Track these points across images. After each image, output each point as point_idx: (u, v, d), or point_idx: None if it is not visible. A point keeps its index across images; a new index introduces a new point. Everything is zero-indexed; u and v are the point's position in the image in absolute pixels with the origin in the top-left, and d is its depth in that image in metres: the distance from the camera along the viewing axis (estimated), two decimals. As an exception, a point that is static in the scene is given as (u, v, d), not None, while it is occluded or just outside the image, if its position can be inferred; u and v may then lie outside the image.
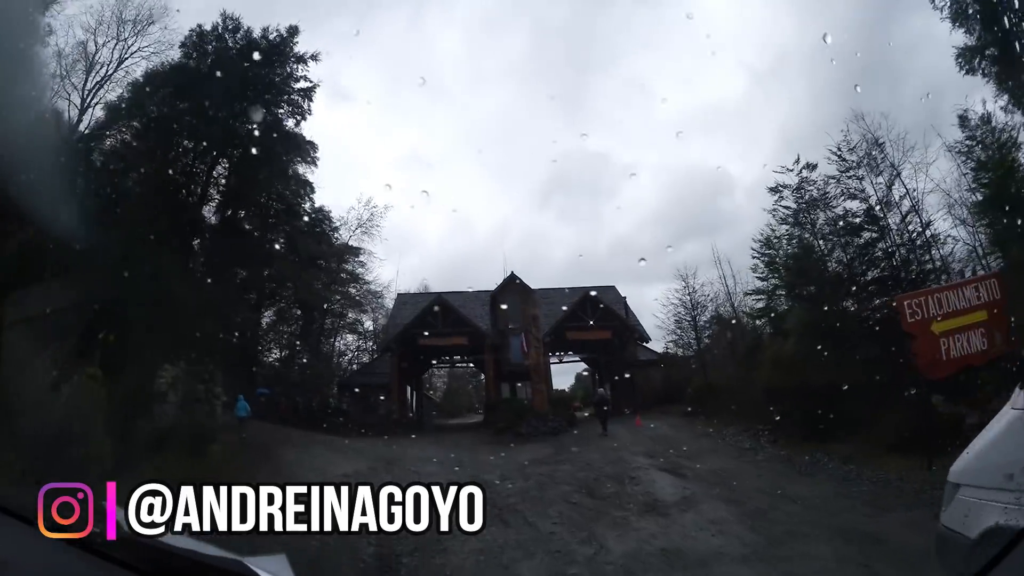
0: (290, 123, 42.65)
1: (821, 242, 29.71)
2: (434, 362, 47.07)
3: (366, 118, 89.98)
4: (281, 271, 43.16)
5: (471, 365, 49.64)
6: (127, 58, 34.34)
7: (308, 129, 43.61)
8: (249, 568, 1.94)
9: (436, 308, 37.12)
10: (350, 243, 47.55)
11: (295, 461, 22.31)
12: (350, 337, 49.46)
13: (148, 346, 20.77)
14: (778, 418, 23.46)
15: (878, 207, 27.94)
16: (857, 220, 28.42)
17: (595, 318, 37.67)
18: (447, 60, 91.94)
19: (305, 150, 47.13)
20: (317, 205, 47.23)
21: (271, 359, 45.04)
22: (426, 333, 36.46)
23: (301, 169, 45.31)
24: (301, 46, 39.26)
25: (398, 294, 44.08)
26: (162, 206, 31.39)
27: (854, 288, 27.38)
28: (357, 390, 38.49)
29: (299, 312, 46.13)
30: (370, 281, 48.04)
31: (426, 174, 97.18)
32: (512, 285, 39.57)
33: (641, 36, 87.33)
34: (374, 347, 44.68)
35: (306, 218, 46.23)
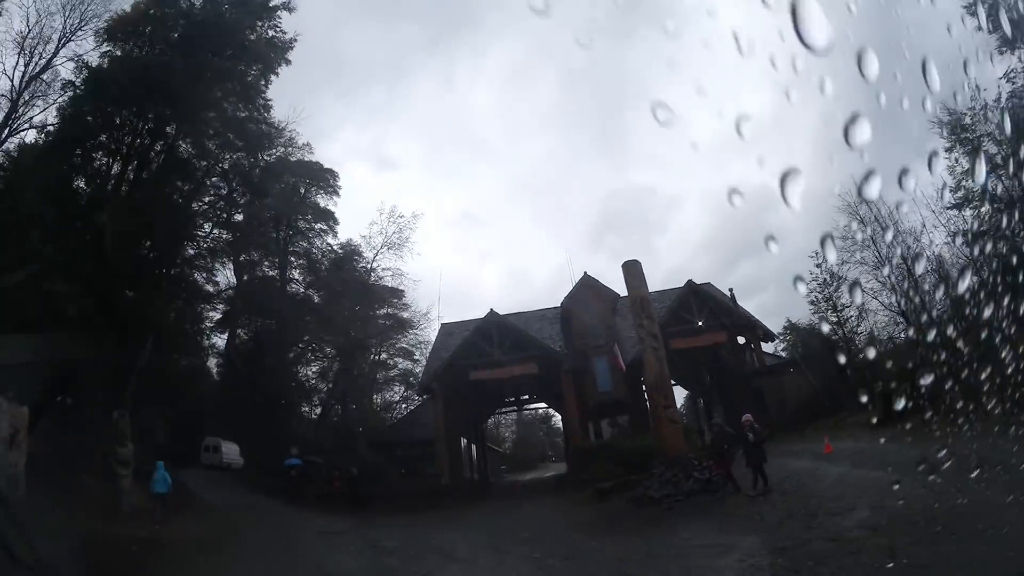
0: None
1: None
2: (498, 410, 37.63)
3: (414, 182, 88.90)
4: (314, 317, 35.71)
5: (541, 407, 39.92)
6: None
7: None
8: None
9: (491, 330, 27.95)
10: (376, 266, 40.91)
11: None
12: (397, 388, 41.53)
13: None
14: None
15: None
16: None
17: (703, 317, 27.91)
18: (484, 116, 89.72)
19: (324, 180, 41.63)
20: (343, 240, 41.54)
21: (306, 417, 36.93)
22: (478, 363, 27.27)
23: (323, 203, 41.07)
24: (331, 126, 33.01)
25: (442, 324, 35.74)
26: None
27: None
28: (399, 451, 29.50)
29: (337, 362, 38.35)
30: (413, 323, 40.42)
31: (479, 230, 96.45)
32: (588, 289, 30.46)
33: (666, 66, 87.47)
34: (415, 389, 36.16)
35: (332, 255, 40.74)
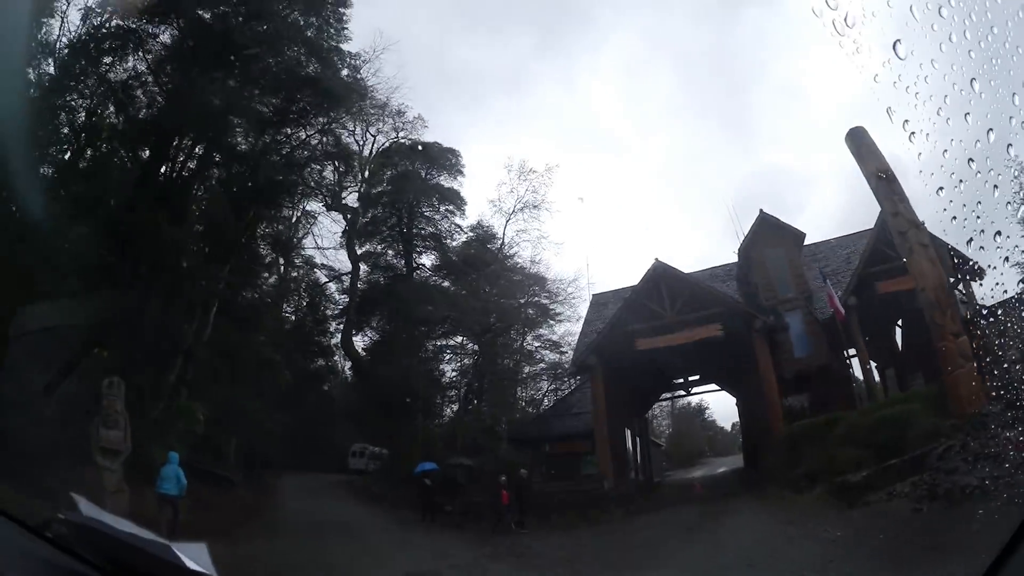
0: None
1: None
2: (664, 395, 31.51)
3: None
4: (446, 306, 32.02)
5: (708, 390, 33.46)
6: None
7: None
8: (174, 552, 1.76)
9: (658, 285, 22.13)
10: (511, 236, 37.18)
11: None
12: (544, 384, 36.83)
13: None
14: None
15: None
16: None
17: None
18: (609, 112, 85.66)
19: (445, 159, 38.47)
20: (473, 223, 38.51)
21: (440, 418, 33.24)
22: (646, 329, 21.43)
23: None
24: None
25: (593, 295, 30.61)
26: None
27: None
28: (547, 447, 24.49)
29: (475, 357, 34.41)
30: (559, 302, 35.80)
31: (614, 222, 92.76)
32: (768, 230, 24.07)
33: (777, 40, 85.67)
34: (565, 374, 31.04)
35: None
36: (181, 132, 21.66)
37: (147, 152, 21.87)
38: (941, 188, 5.30)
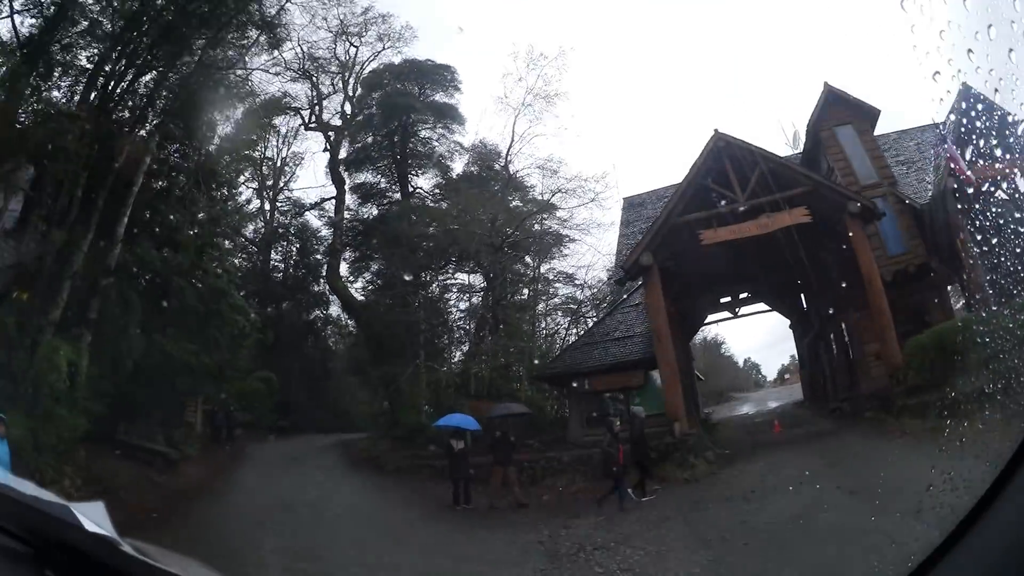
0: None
1: None
2: (726, 301, 25.30)
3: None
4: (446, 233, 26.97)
5: (757, 311, 28.14)
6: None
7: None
8: (72, 512, 1.54)
9: (720, 161, 16.23)
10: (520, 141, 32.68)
11: None
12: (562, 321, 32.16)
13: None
14: None
15: None
16: None
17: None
18: None
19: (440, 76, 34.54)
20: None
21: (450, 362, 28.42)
22: (712, 216, 16.22)
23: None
24: None
25: (624, 198, 25.65)
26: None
27: None
28: (575, 384, 19.34)
29: (483, 294, 29.56)
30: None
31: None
32: (840, 105, 19.11)
33: None
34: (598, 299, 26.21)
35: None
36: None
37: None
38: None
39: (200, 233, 18.88)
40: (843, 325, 20.41)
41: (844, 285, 17.46)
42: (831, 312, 21.37)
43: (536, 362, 25.36)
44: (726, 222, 15.91)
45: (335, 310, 35.13)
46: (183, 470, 15.62)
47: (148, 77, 17.56)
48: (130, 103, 17.42)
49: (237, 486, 15.65)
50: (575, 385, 19.21)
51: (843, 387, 20.69)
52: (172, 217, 17.66)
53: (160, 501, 12.60)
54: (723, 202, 16.25)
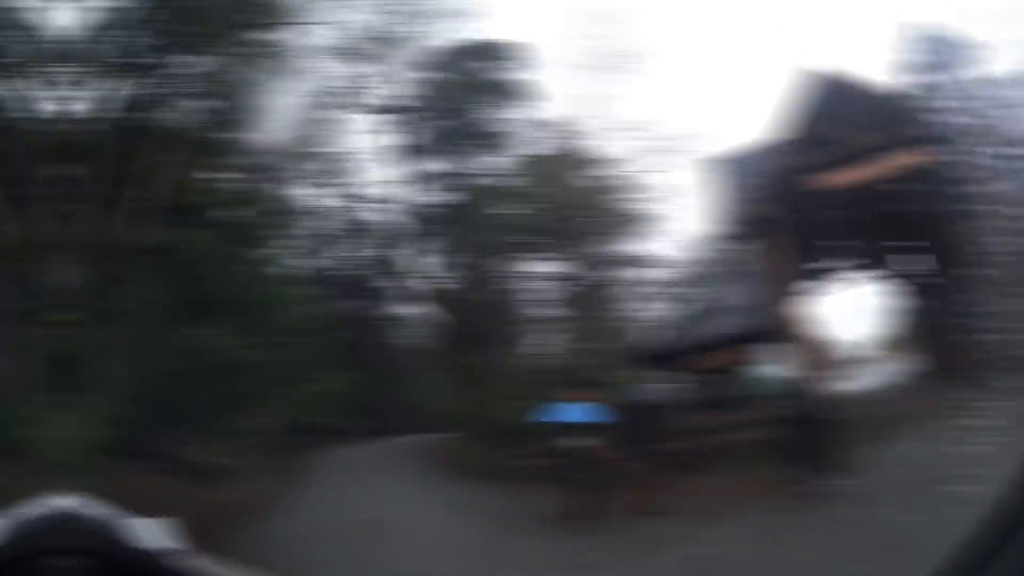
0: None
1: None
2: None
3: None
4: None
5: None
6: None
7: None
8: (135, 529, 1.43)
9: (830, 100, 14.21)
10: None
11: None
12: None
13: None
14: None
15: None
16: None
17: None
18: None
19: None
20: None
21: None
22: (826, 159, 14.03)
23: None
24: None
25: (711, 157, 22.80)
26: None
27: None
28: (686, 361, 16.82)
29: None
30: None
31: None
32: (942, 47, 15.99)
33: None
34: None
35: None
36: None
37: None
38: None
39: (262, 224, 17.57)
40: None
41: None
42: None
43: (631, 344, 23.55)
44: (847, 160, 13.62)
45: (413, 303, 34.50)
46: (236, 484, 14.15)
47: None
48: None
49: (304, 501, 14.24)
50: (692, 362, 17.28)
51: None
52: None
53: (204, 520, 11.07)
54: (839, 146, 13.93)
